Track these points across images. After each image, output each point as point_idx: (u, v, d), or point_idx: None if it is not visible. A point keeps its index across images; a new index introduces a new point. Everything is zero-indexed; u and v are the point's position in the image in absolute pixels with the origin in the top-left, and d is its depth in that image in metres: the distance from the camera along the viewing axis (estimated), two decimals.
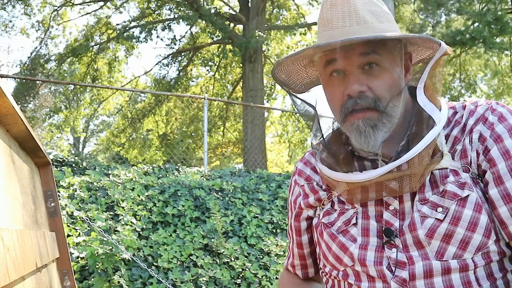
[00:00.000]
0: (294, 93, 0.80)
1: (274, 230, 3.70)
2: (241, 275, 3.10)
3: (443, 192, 0.67)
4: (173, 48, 11.01)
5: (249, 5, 9.92)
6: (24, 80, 9.29)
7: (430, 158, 0.68)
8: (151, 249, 3.05)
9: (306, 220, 0.84)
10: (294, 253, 0.89)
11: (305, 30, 11.52)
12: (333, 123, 0.82)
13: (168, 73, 11.49)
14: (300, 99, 0.79)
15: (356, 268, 0.71)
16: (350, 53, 0.68)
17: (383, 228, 0.70)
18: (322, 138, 0.78)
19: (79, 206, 3.24)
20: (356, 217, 0.73)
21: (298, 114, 11.88)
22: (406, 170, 0.67)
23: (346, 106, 0.70)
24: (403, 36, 0.67)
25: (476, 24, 8.46)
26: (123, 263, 2.78)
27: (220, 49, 11.08)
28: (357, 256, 0.71)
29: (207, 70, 12.38)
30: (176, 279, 2.83)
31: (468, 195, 0.66)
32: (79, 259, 2.72)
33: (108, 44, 10.81)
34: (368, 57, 0.68)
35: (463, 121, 0.71)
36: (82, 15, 11.26)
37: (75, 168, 3.91)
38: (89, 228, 3.00)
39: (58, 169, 3.75)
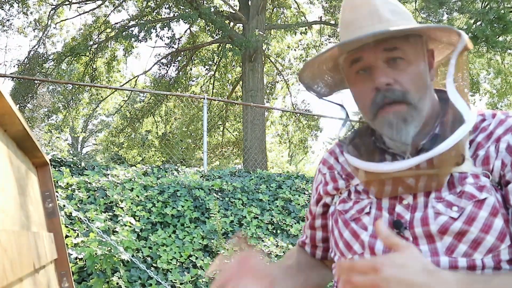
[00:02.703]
0: (320, 96, 0.84)
1: (274, 231, 3.68)
2: None
3: (461, 192, 0.67)
4: (173, 47, 10.99)
5: (249, 4, 9.90)
6: (22, 80, 9.26)
7: (454, 160, 0.68)
8: (150, 250, 3.03)
9: (323, 206, 0.87)
10: (307, 234, 0.93)
11: (305, 29, 11.52)
12: (360, 118, 0.85)
13: (167, 72, 11.46)
14: (328, 101, 0.83)
15: (365, 256, 0.72)
16: (375, 49, 0.70)
17: (394, 220, 0.71)
18: (349, 131, 0.82)
19: (78, 206, 3.22)
20: (370, 207, 0.74)
21: (299, 114, 11.87)
22: (428, 169, 0.68)
23: (376, 101, 0.71)
24: (424, 27, 0.69)
25: (478, 23, 8.46)
26: (122, 264, 2.76)
27: (219, 48, 11.06)
28: (368, 244, 0.72)
29: (207, 70, 12.37)
30: (176, 280, 2.81)
31: (485, 198, 0.66)
32: (78, 260, 2.70)
33: (107, 43, 10.78)
34: (392, 52, 0.70)
35: (490, 129, 0.71)
36: (79, 14, 11.23)
37: (73, 168, 3.89)
38: (87, 229, 2.97)
39: (57, 169, 3.72)
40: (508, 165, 0.67)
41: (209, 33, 10.23)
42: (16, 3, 10.31)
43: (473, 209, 0.66)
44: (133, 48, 11.22)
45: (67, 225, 2.97)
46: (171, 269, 2.92)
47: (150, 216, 3.37)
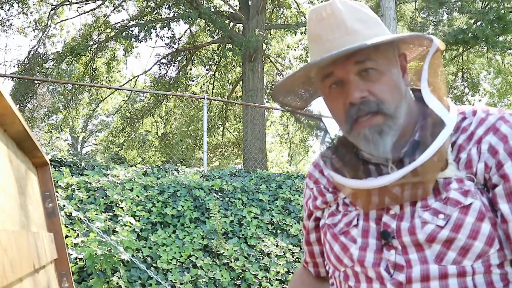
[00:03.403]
0: (297, 111, 0.82)
1: (274, 231, 3.68)
2: (241, 276, 3.08)
3: (446, 199, 0.66)
4: (173, 47, 10.99)
5: (249, 4, 9.91)
6: (22, 80, 9.27)
7: (438, 166, 0.67)
8: (150, 250, 3.03)
9: (315, 220, 0.87)
10: (305, 250, 0.93)
11: (305, 29, 11.52)
12: (338, 130, 0.82)
13: (167, 72, 11.46)
14: (306, 115, 0.81)
15: (355, 268, 0.72)
16: (345, 63, 0.69)
17: (381, 230, 0.70)
18: (330, 146, 0.80)
19: (78, 206, 3.22)
20: (358, 218, 0.74)
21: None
22: (413, 178, 0.66)
23: (350, 115, 0.70)
24: (394, 39, 0.67)
25: (478, 23, 8.46)
26: (122, 264, 2.76)
27: (219, 48, 11.07)
28: (357, 257, 0.71)
29: (207, 70, 12.37)
30: (176, 280, 2.81)
31: (471, 203, 0.65)
32: (78, 260, 2.70)
33: (107, 43, 10.78)
34: (363, 64, 0.68)
35: (470, 129, 0.69)
36: (79, 14, 11.24)
37: (73, 168, 3.89)
38: (87, 229, 2.97)
39: (57, 169, 3.72)
40: (493, 168, 0.66)
41: (209, 33, 10.23)
42: (16, 3, 10.31)
43: (459, 216, 0.65)
44: (133, 48, 11.23)
45: (67, 225, 2.97)
46: (171, 269, 2.92)
47: (150, 216, 3.37)
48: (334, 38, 0.68)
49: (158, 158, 12.67)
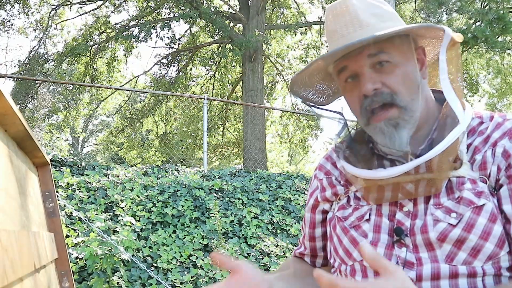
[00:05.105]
0: (314, 105, 0.83)
1: (274, 231, 3.69)
2: None
3: (459, 198, 0.66)
4: (173, 47, 10.99)
5: (249, 4, 9.91)
6: (22, 80, 9.28)
7: (450, 164, 0.67)
8: (151, 250, 3.04)
9: (322, 213, 0.85)
10: (306, 245, 0.90)
11: (305, 29, 11.52)
12: (356, 124, 0.83)
13: (167, 72, 11.46)
14: (323, 109, 0.82)
15: (364, 263, 0.72)
16: (358, 57, 0.69)
17: (394, 227, 0.70)
18: (345, 137, 0.80)
19: (78, 206, 3.23)
20: (370, 213, 0.73)
21: (299, 114, 11.89)
22: (424, 173, 0.67)
23: (364, 107, 0.71)
24: (399, 30, 0.67)
25: (478, 23, 8.46)
26: (122, 263, 2.77)
27: (220, 49, 11.07)
28: None
29: (207, 70, 12.37)
30: (176, 279, 2.82)
31: (484, 204, 0.65)
32: (78, 260, 2.70)
33: (107, 43, 10.79)
34: (376, 57, 0.69)
35: (487, 132, 0.70)
36: (80, 14, 11.25)
37: (74, 168, 3.89)
38: (88, 229, 2.98)
39: (57, 169, 3.73)
40: (502, 170, 0.67)
41: (209, 33, 10.24)
42: (17, 3, 10.32)
43: (472, 216, 0.65)
44: (134, 48, 11.23)
45: (67, 225, 2.97)
46: (171, 268, 2.93)
47: (150, 216, 3.38)
48: (347, 32, 0.70)
49: (158, 158, 12.67)
